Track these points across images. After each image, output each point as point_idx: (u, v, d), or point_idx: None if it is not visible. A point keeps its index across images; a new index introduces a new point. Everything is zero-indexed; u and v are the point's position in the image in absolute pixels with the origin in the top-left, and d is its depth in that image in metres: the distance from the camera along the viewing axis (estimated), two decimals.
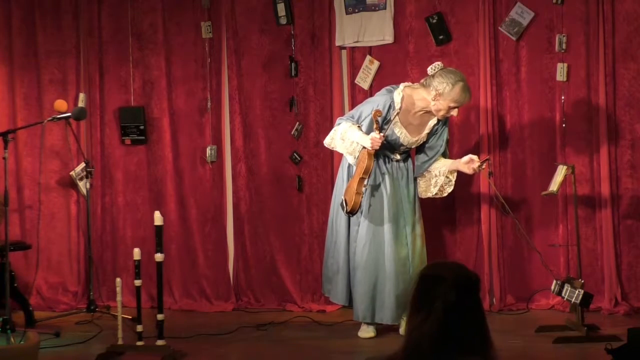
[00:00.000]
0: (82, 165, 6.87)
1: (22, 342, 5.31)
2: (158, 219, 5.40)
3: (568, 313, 6.13)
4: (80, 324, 6.46)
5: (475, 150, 6.36)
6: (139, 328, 5.35)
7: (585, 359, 5.39)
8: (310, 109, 6.85)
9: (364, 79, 6.73)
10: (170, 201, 7.04)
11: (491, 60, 6.54)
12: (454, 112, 5.70)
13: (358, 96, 6.71)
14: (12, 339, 5.62)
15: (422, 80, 5.78)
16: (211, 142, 6.98)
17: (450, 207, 6.63)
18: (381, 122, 5.62)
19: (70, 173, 7.01)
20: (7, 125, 6.78)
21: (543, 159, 6.52)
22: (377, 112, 5.58)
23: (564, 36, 6.44)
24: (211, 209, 7.02)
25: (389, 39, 6.70)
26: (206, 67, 6.98)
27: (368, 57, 6.73)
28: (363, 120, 5.73)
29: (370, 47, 6.75)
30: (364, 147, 5.64)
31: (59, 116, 6.33)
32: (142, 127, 7.06)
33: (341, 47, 6.81)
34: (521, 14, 6.50)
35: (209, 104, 6.98)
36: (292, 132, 6.86)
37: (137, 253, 5.40)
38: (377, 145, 5.56)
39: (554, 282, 5.76)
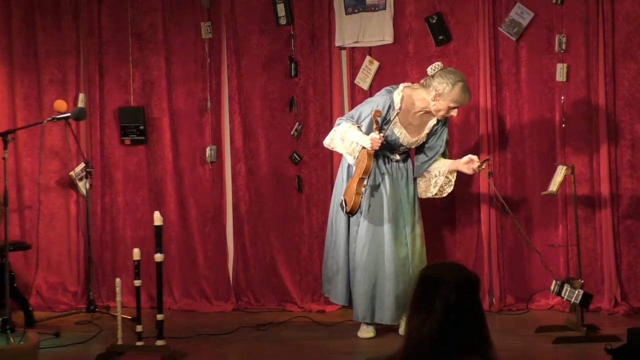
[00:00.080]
0: (82, 165, 6.87)
1: (22, 342, 5.32)
2: (158, 219, 5.41)
3: (568, 313, 6.13)
4: (80, 324, 6.46)
5: (475, 151, 6.36)
6: (139, 328, 5.35)
7: (585, 359, 5.39)
8: (310, 109, 6.85)
9: (364, 79, 6.73)
10: (170, 201, 7.04)
11: (491, 61, 6.54)
12: (454, 113, 5.70)
13: (358, 96, 6.71)
14: (12, 339, 5.62)
15: (421, 81, 5.78)
16: (211, 142, 6.98)
17: (450, 207, 6.63)
18: (381, 123, 5.62)
19: (70, 173, 7.01)
20: (7, 126, 6.78)
21: (543, 159, 6.52)
22: (377, 113, 5.58)
23: (563, 36, 6.44)
24: (211, 209, 7.02)
25: (388, 39, 6.70)
26: (206, 67, 6.98)
27: (368, 58, 6.73)
28: (363, 120, 5.73)
29: (370, 48, 6.75)
30: (363, 148, 5.64)
31: (58, 116, 6.33)
32: (141, 127, 7.06)
33: (341, 48, 6.81)
34: (521, 14, 6.50)
35: (208, 104, 6.98)
36: (292, 133, 6.86)
37: (136, 253, 5.40)
38: (376, 146, 5.56)
39: (554, 282, 5.76)
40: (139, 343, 5.36)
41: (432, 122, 5.81)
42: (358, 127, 5.72)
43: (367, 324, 5.86)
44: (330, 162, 6.75)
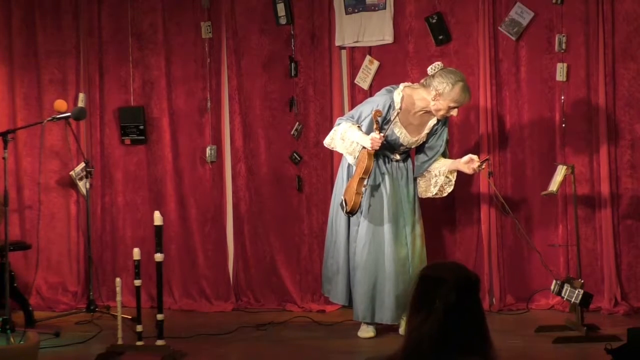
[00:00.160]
0: (82, 165, 6.87)
1: (22, 342, 5.32)
2: (158, 219, 5.40)
3: (568, 313, 6.12)
4: (80, 324, 6.46)
5: (475, 150, 6.36)
6: (139, 328, 5.35)
7: (585, 359, 5.39)
8: (310, 109, 6.85)
9: (364, 79, 6.73)
10: (170, 201, 7.04)
11: (491, 60, 6.54)
12: (454, 112, 5.70)
13: (358, 96, 6.71)
14: (12, 339, 5.62)
15: (422, 80, 5.78)
16: (211, 142, 6.98)
17: (450, 207, 6.63)
18: (381, 122, 5.62)
19: (70, 173, 7.01)
20: (7, 125, 6.78)
21: (543, 159, 6.52)
22: (377, 112, 5.58)
23: (563, 36, 6.44)
24: (211, 209, 7.02)
25: (388, 39, 6.70)
26: (206, 67, 6.98)
27: (368, 57, 6.73)
28: (363, 120, 5.73)
29: (370, 47, 6.75)
30: (363, 147, 5.64)
31: (58, 116, 6.33)
32: (141, 127, 7.06)
33: (341, 47, 6.81)
34: (521, 14, 6.50)
35: (208, 104, 6.98)
36: (292, 132, 6.86)
37: (136, 253, 5.40)
38: (377, 146, 5.56)
39: (554, 282, 5.76)
40: (139, 343, 5.36)
41: (432, 121, 5.81)
42: (358, 127, 5.72)
43: (367, 323, 5.86)
44: (331, 162, 6.75)
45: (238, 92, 6.94)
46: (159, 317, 5.39)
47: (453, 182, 5.91)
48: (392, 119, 5.68)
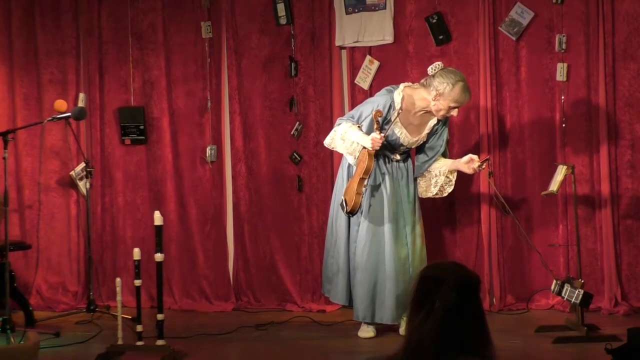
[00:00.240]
0: (82, 165, 6.87)
1: (22, 342, 5.32)
2: (158, 219, 5.40)
3: (568, 313, 6.12)
4: (80, 324, 6.45)
5: (475, 150, 6.36)
6: (139, 328, 5.35)
7: (585, 359, 5.40)
8: (310, 109, 6.85)
9: (364, 79, 6.73)
10: (170, 201, 7.04)
11: (491, 60, 6.54)
12: (454, 112, 5.70)
13: (358, 96, 6.71)
14: (12, 339, 5.62)
15: (422, 80, 5.78)
16: (211, 142, 6.98)
17: (451, 207, 6.63)
18: (381, 123, 5.62)
19: (70, 173, 7.01)
20: (7, 125, 6.78)
21: (543, 159, 6.52)
22: (378, 113, 5.58)
23: (563, 36, 6.44)
24: (211, 209, 7.02)
25: (389, 39, 6.70)
26: (206, 67, 6.98)
27: (368, 57, 6.73)
28: (363, 120, 5.73)
29: (370, 47, 6.75)
30: (364, 148, 5.64)
31: (59, 116, 6.32)
32: (142, 127, 7.06)
33: (341, 47, 6.81)
34: (521, 14, 6.50)
35: (209, 104, 6.98)
36: (292, 132, 6.86)
37: (137, 253, 5.39)
38: (377, 146, 5.56)
39: (554, 282, 5.76)
40: (139, 343, 5.36)
41: (433, 121, 5.81)
42: (359, 127, 5.72)
43: (368, 323, 5.86)
44: (331, 162, 6.75)
45: (238, 92, 6.94)
46: (159, 317, 5.39)
47: (453, 182, 5.91)
48: (392, 119, 5.68)
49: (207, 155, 6.97)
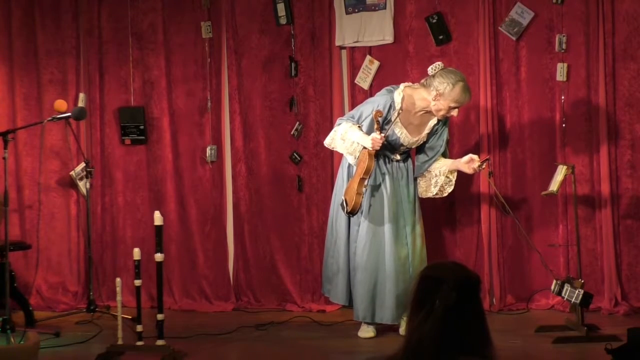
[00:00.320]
0: (82, 165, 6.87)
1: (22, 342, 5.32)
2: (158, 219, 5.40)
3: (568, 313, 6.12)
4: (80, 324, 6.45)
5: (475, 150, 6.36)
6: (139, 328, 5.35)
7: (585, 359, 5.39)
8: (310, 109, 6.85)
9: (364, 79, 6.73)
10: (170, 201, 7.04)
11: (491, 60, 6.54)
12: (454, 112, 5.70)
13: (358, 96, 6.71)
14: (12, 339, 5.62)
15: (422, 81, 5.78)
16: (211, 142, 6.98)
17: (450, 207, 6.63)
18: (382, 123, 5.62)
19: (70, 173, 7.01)
20: (7, 125, 6.78)
21: (543, 159, 6.52)
22: (378, 113, 5.58)
23: (563, 36, 6.44)
24: (211, 209, 7.02)
25: (389, 39, 6.70)
26: (206, 67, 6.98)
27: (368, 57, 6.73)
28: (363, 120, 5.73)
29: (370, 47, 6.75)
30: (364, 148, 5.64)
31: (59, 116, 6.32)
32: (142, 127, 7.06)
33: (341, 47, 6.81)
34: (521, 14, 6.50)
35: (209, 104, 6.98)
36: (292, 132, 6.86)
37: (137, 253, 5.39)
38: (377, 146, 5.56)
39: (554, 282, 5.76)
40: (139, 343, 5.36)
41: (433, 121, 5.81)
42: (359, 127, 5.72)
43: (368, 323, 5.86)
44: (331, 162, 6.75)
45: (238, 92, 6.94)
46: (159, 317, 5.39)
47: (453, 182, 5.91)
48: (392, 119, 5.68)
49: (207, 155, 6.97)
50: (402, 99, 5.72)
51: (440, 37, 6.62)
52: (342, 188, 5.85)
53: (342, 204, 5.74)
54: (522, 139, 6.59)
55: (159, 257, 5.39)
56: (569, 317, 5.96)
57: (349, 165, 5.86)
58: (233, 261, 7.02)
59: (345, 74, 6.81)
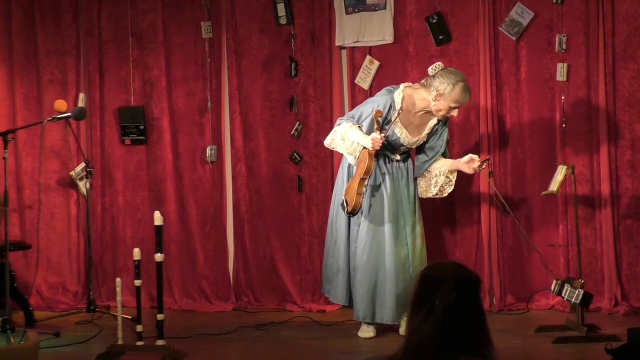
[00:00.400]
0: (82, 165, 6.87)
1: (22, 342, 5.32)
2: (158, 219, 5.40)
3: (568, 313, 6.12)
4: (80, 324, 6.45)
5: (475, 150, 6.36)
6: (139, 328, 5.35)
7: (585, 359, 5.40)
8: (310, 109, 6.85)
9: (364, 79, 6.73)
10: (170, 201, 7.04)
11: (491, 60, 6.54)
12: (454, 113, 5.70)
13: (358, 96, 6.71)
14: (12, 339, 5.62)
15: (422, 81, 5.78)
16: (211, 142, 6.98)
17: (450, 207, 6.63)
18: (382, 123, 5.62)
19: (70, 173, 7.01)
20: (7, 125, 6.78)
21: (543, 159, 6.52)
22: (378, 113, 5.58)
23: (563, 36, 6.44)
24: (211, 209, 7.02)
25: (389, 39, 6.70)
26: (206, 67, 6.98)
27: (368, 57, 6.73)
28: (363, 120, 5.73)
29: (370, 47, 6.75)
30: (364, 148, 5.64)
31: (59, 116, 6.32)
32: (142, 127, 7.06)
33: (341, 47, 6.81)
34: (521, 14, 6.50)
35: (209, 104, 6.98)
36: (292, 132, 6.86)
37: (137, 253, 5.40)
38: (378, 146, 5.56)
39: (554, 282, 5.76)
40: (139, 343, 5.36)
41: (433, 121, 5.81)
42: (359, 127, 5.72)
43: (368, 323, 5.86)
44: (331, 162, 6.75)
45: (238, 92, 6.94)
46: (159, 317, 5.39)
47: (453, 182, 5.91)
48: (392, 119, 5.68)
49: (207, 155, 6.97)
50: (402, 99, 5.72)
51: (440, 37, 6.62)
52: (342, 188, 5.85)
53: (342, 204, 5.74)
54: (522, 139, 6.59)
55: (159, 257, 5.39)
56: (569, 317, 5.96)
57: (349, 165, 5.86)
58: (233, 261, 7.02)
59: (345, 74, 6.81)
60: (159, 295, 5.44)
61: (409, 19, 6.68)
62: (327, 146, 5.95)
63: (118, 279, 5.53)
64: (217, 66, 6.97)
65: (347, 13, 6.74)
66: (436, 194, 5.93)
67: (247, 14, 6.91)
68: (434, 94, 5.63)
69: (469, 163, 5.75)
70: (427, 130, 5.83)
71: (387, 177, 5.81)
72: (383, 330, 5.89)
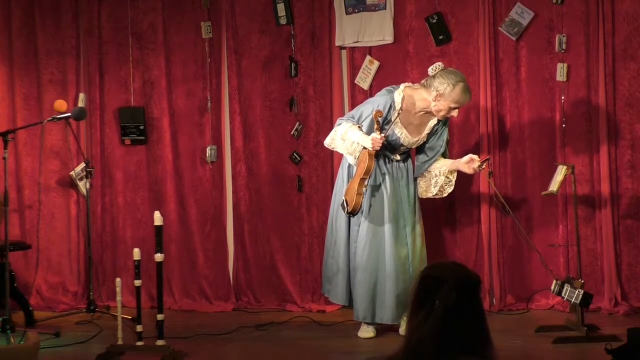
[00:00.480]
0: (82, 165, 6.87)
1: (22, 342, 5.32)
2: (158, 219, 5.40)
3: (568, 313, 6.12)
4: (80, 324, 6.46)
5: (475, 150, 6.36)
6: (139, 328, 5.35)
7: (585, 359, 5.40)
8: (310, 109, 6.85)
9: (364, 79, 6.73)
10: (170, 201, 7.04)
11: (491, 60, 6.54)
12: (454, 113, 5.70)
13: (358, 96, 6.71)
14: (12, 339, 5.62)
15: (422, 81, 5.78)
16: (211, 142, 6.99)
17: (450, 207, 6.63)
18: (382, 123, 5.62)
19: (70, 173, 7.01)
20: (7, 125, 6.77)
21: (543, 159, 6.52)
22: (378, 113, 5.58)
23: (563, 36, 6.44)
24: (211, 209, 7.02)
25: (389, 39, 6.70)
26: (206, 67, 6.98)
27: (368, 57, 6.73)
28: (363, 120, 5.73)
29: (370, 47, 6.75)
30: (364, 148, 5.64)
31: (59, 116, 6.32)
32: (142, 127, 7.06)
33: (341, 47, 6.81)
34: (521, 14, 6.50)
35: (209, 104, 6.98)
36: (292, 132, 6.86)
37: (137, 253, 5.40)
38: (378, 146, 5.56)
39: (554, 282, 5.76)
40: (139, 343, 5.36)
41: (433, 122, 5.81)
42: (359, 127, 5.72)
43: (368, 323, 5.86)
44: (331, 162, 6.75)
45: (238, 92, 6.94)
46: (159, 317, 5.39)
47: (453, 182, 5.91)
48: (392, 119, 5.68)
49: (207, 155, 6.97)
50: (402, 99, 5.72)
51: (440, 37, 6.62)
52: (342, 188, 5.85)
53: (342, 205, 5.74)
54: (522, 139, 6.59)
55: (159, 257, 5.39)
56: (569, 317, 5.96)
57: (349, 165, 5.86)
58: (233, 261, 7.02)
59: (345, 74, 6.81)
60: (159, 295, 5.44)
61: (409, 19, 6.68)
62: (327, 146, 5.95)
63: (118, 279, 5.53)
64: (217, 66, 6.97)
65: (347, 13, 6.74)
66: (436, 194, 5.93)
67: (247, 14, 6.91)
68: (434, 94, 5.63)
69: (469, 163, 5.75)
70: (427, 131, 5.83)
71: (387, 177, 5.81)
72: (383, 330, 5.89)
